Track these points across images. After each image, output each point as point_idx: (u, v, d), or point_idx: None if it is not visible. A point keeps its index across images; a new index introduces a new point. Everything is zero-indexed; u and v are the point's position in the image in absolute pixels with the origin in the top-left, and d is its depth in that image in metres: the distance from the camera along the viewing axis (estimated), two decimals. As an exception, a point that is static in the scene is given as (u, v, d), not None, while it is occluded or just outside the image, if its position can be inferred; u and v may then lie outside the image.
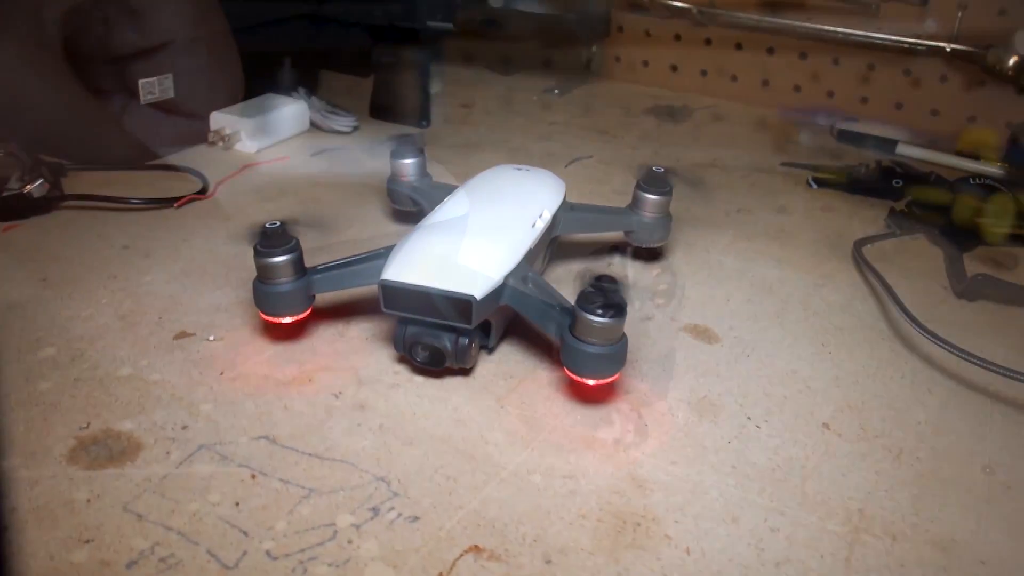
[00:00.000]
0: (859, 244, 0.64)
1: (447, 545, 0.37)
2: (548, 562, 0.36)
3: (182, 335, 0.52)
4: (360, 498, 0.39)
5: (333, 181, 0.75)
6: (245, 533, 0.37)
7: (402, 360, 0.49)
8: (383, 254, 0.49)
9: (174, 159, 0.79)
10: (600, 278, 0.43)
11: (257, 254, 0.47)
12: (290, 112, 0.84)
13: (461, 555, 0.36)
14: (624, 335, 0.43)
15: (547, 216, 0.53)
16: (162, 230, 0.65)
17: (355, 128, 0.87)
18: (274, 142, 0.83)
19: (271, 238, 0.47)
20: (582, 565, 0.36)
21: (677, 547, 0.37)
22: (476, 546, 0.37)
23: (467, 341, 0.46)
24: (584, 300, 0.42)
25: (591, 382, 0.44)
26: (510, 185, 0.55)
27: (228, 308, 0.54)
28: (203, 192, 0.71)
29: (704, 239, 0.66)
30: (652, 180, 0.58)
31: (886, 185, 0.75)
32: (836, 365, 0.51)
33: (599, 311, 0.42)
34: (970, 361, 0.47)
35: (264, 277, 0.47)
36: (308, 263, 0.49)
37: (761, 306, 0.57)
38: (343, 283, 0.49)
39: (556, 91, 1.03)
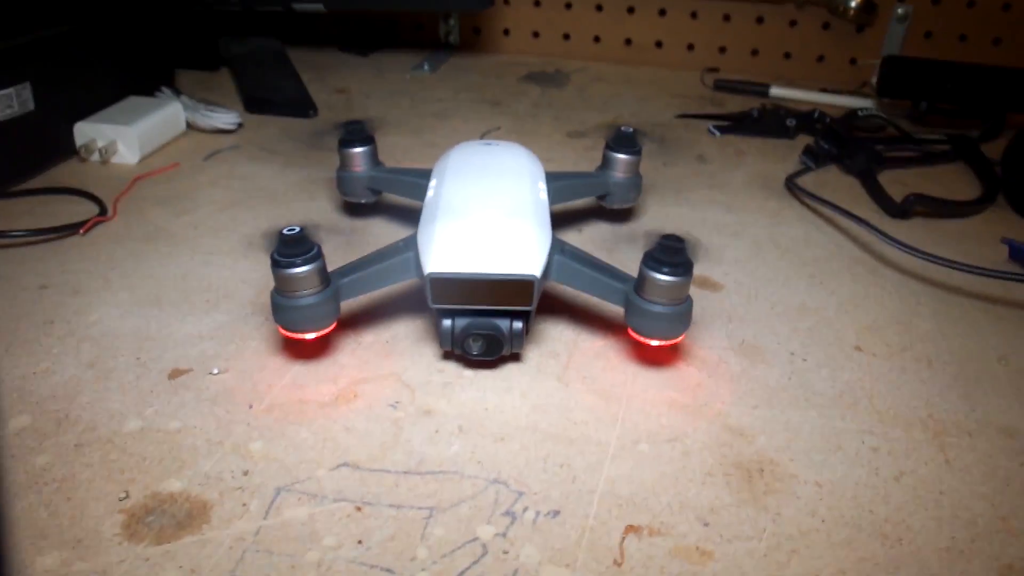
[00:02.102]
0: (790, 180, 0.69)
1: (603, 532, 0.35)
2: (706, 524, 0.36)
3: (177, 373, 0.45)
4: (486, 505, 0.37)
5: (249, 184, 0.68)
6: (390, 571, 0.33)
7: (446, 356, 0.46)
8: (403, 248, 0.46)
9: (41, 181, 0.67)
10: (666, 237, 0.42)
11: (277, 264, 0.41)
12: (166, 114, 0.75)
13: (622, 538, 0.35)
14: (690, 296, 0.43)
15: (544, 187, 0.52)
16: (77, 261, 0.56)
17: (239, 125, 0.79)
18: (154, 149, 0.74)
19: (290, 245, 0.41)
20: (738, 519, 0.36)
21: (807, 483, 0.38)
22: (631, 526, 0.36)
23: (521, 324, 0.44)
24: (651, 260, 0.42)
25: (656, 343, 0.44)
26: (494, 161, 0.53)
27: (212, 335, 0.48)
28: (103, 213, 0.61)
29: (653, 196, 0.68)
30: (622, 140, 0.58)
31: (780, 126, 0.80)
32: (832, 293, 0.54)
33: (668, 269, 0.42)
34: (942, 264, 0.52)
35: (285, 290, 0.42)
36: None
37: (739, 251, 0.60)
38: (371, 285, 0.45)
39: (426, 67, 1.00)
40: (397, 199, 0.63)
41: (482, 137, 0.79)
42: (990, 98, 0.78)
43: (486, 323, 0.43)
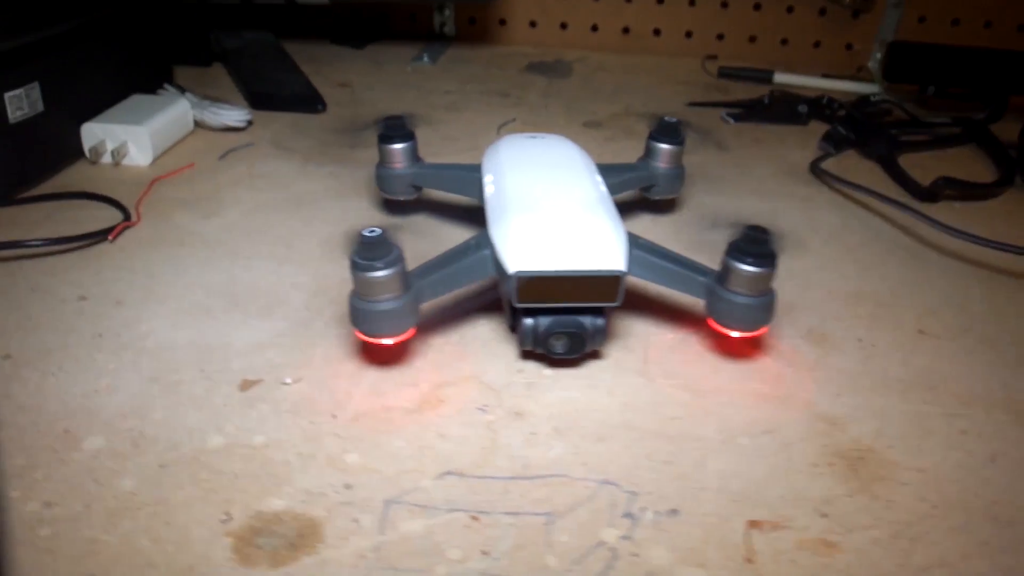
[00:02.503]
0: (815, 166, 0.69)
1: (727, 528, 0.35)
2: (824, 515, 0.36)
3: (247, 385, 0.43)
4: (603, 507, 0.36)
5: (272, 183, 0.66)
6: (525, 580, 0.32)
7: (525, 355, 0.45)
8: (478, 246, 0.45)
9: (53, 186, 0.64)
10: (752, 228, 0.42)
11: (357, 268, 0.40)
12: (175, 113, 0.72)
13: (747, 534, 0.35)
14: (773, 288, 0.43)
15: (601, 180, 0.51)
16: (111, 270, 0.53)
17: (249, 122, 0.76)
18: (165, 149, 0.71)
19: (371, 248, 0.40)
20: (855, 508, 0.36)
21: (909, 469, 0.39)
22: (752, 521, 0.36)
23: (603, 320, 0.43)
24: (737, 250, 0.42)
25: (738, 334, 0.44)
26: (548, 154, 0.52)
27: (274, 343, 0.46)
28: (128, 218, 0.59)
29: (685, 185, 0.68)
30: (666, 130, 0.58)
31: (792, 112, 0.81)
32: (884, 277, 0.55)
33: (753, 260, 0.41)
34: (992, 247, 0.53)
35: (366, 294, 0.41)
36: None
37: (782, 238, 0.60)
38: (449, 287, 0.44)
39: (426, 59, 0.98)
40: (438, 195, 0.61)
41: (499, 130, 0.78)
42: (993, 81, 0.80)
43: (570, 321, 0.43)
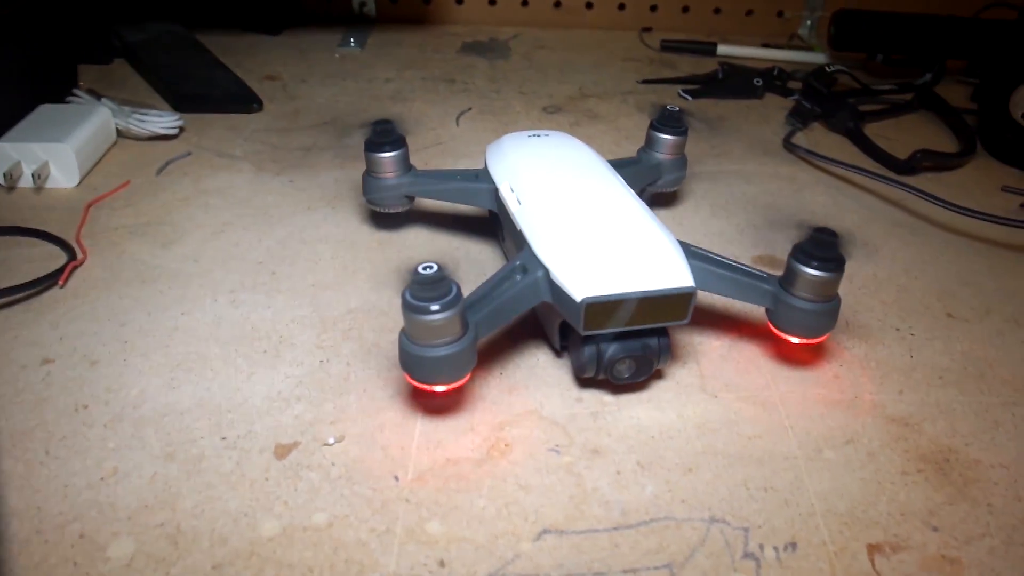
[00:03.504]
0: (788, 142, 0.69)
1: (850, 558, 0.33)
2: (935, 529, 0.35)
3: (284, 450, 0.38)
4: (720, 550, 0.34)
5: (228, 198, 0.59)
6: (672, 650, 0.30)
7: (582, 383, 0.42)
8: (525, 270, 0.41)
9: (-35, 220, 0.55)
10: (819, 230, 0.40)
11: (412, 309, 0.35)
12: (96, 124, 0.63)
13: (871, 560, 0.33)
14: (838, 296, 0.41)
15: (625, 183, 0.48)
16: (71, 321, 0.46)
17: (181, 128, 0.68)
18: (91, 167, 0.62)
19: (427, 287, 0.35)
20: (959, 517, 0.36)
21: (993, 466, 0.38)
22: (872, 545, 0.34)
23: (667, 338, 0.41)
24: (803, 254, 0.40)
25: (798, 341, 0.42)
26: (564, 157, 0.48)
27: (297, 394, 0.41)
28: (73, 256, 0.51)
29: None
30: (668, 119, 0.55)
31: (747, 85, 0.80)
32: (892, 259, 0.55)
33: (820, 264, 0.40)
34: (1000, 223, 0.54)
35: (421, 338, 0.36)
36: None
37: (784, 226, 0.59)
38: (503, 320, 0.40)
39: (353, 43, 0.91)
40: (430, 203, 0.57)
41: (458, 121, 0.73)
42: (934, 47, 0.82)
43: (636, 344, 0.40)
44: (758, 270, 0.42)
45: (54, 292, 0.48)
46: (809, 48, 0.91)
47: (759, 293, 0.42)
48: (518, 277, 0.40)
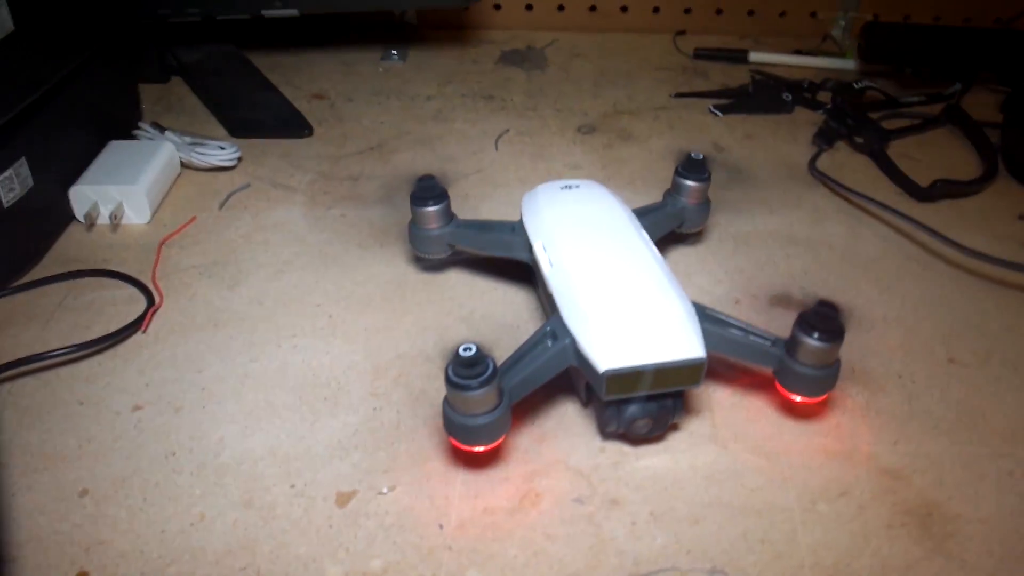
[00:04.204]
0: (812, 167, 0.72)
1: (835, 611, 0.38)
2: (914, 584, 0.40)
3: (344, 499, 0.44)
4: (720, 601, 0.39)
5: (286, 235, 0.64)
6: None
7: (607, 435, 0.47)
8: (555, 336, 0.45)
9: (54, 260, 0.61)
10: (822, 303, 0.44)
11: (454, 386, 0.41)
12: (162, 160, 0.69)
13: (853, 614, 0.38)
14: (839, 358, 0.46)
15: (648, 238, 0.52)
16: (154, 368, 0.52)
17: (239, 159, 0.73)
18: (160, 203, 0.68)
19: (467, 366, 0.41)
20: (933, 572, 0.40)
21: (971, 520, 0.43)
22: (854, 599, 0.39)
23: (681, 398, 0.45)
24: (807, 325, 0.44)
25: (799, 399, 0.47)
26: (592, 214, 0.52)
27: (355, 443, 0.47)
28: (151, 302, 0.57)
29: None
30: (693, 167, 0.59)
31: (777, 100, 0.83)
32: (902, 298, 0.58)
33: (822, 336, 0.44)
34: (1003, 267, 0.57)
35: (464, 410, 0.41)
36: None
37: (802, 258, 0.62)
38: (535, 383, 0.45)
39: (395, 56, 0.95)
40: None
41: (496, 144, 0.77)
42: (964, 58, 0.83)
43: (653, 405, 0.44)
44: (765, 334, 0.47)
45: (137, 337, 0.54)
46: (841, 54, 0.92)
47: (766, 357, 0.46)
48: (549, 343, 0.45)
